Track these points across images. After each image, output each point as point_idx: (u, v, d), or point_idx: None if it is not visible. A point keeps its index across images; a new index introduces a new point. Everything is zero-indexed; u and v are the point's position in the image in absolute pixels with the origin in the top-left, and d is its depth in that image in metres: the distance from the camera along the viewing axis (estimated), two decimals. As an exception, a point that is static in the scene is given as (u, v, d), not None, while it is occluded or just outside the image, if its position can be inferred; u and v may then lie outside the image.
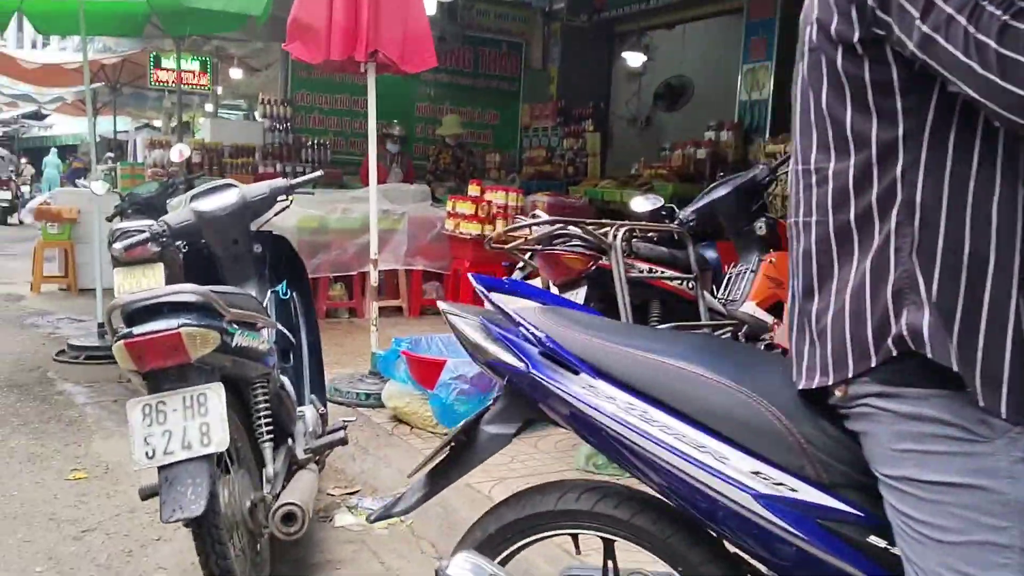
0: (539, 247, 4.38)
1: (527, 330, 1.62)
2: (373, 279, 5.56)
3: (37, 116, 27.49)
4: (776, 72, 8.63)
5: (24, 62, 12.22)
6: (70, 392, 5.61)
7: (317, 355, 3.83)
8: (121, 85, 13.74)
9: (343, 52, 5.03)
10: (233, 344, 2.51)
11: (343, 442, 3.32)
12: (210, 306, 2.43)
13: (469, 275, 2.08)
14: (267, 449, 2.87)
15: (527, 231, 4.50)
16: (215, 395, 2.42)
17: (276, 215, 3.38)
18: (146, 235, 3.05)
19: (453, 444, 1.77)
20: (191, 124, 20.38)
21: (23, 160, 23.22)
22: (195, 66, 11.88)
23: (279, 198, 3.29)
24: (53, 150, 24.13)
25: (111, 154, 23.71)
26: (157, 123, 18.51)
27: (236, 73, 11.59)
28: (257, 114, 9.78)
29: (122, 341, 2.31)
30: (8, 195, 18.58)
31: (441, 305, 1.83)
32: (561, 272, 4.46)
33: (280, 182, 3.33)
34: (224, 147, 9.51)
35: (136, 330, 2.33)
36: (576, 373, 1.57)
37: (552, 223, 4.36)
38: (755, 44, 8.97)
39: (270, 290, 3.39)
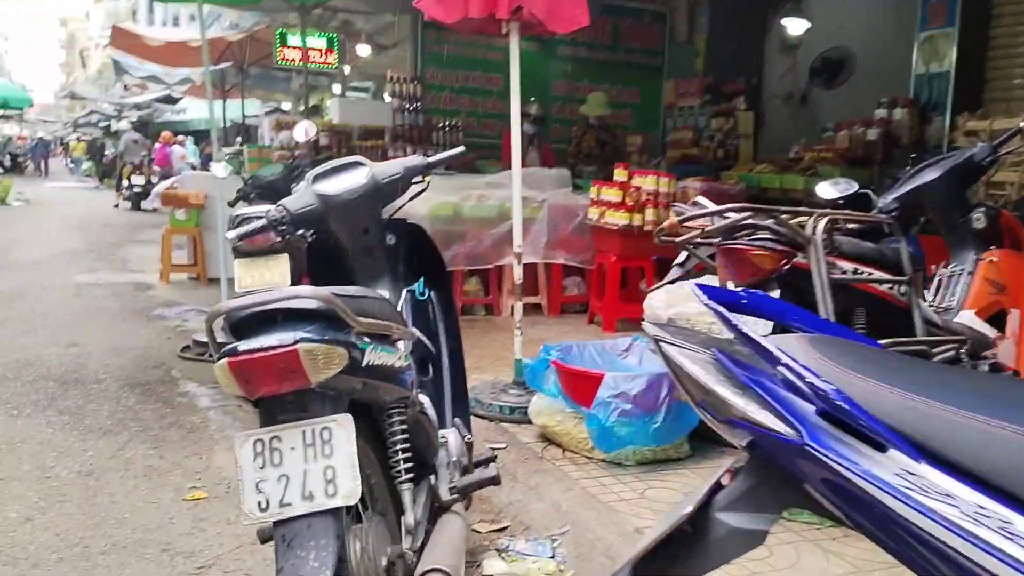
0: (720, 241, 3.66)
1: (798, 376, 1.14)
2: (517, 275, 4.97)
3: (169, 100, 28.09)
4: (960, 40, 7.59)
5: (149, 39, 12.12)
6: (193, 394, 5.21)
7: (460, 367, 3.23)
8: (248, 65, 13.58)
9: (483, 9, 4.49)
10: (364, 363, 1.98)
11: (495, 481, 2.78)
12: (335, 314, 1.91)
13: (693, 286, 1.47)
14: (406, 492, 2.29)
15: (705, 221, 3.78)
16: (342, 431, 1.91)
17: (411, 200, 2.88)
18: (263, 221, 2.57)
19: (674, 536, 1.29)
20: (320, 106, 20.39)
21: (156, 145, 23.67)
22: (322, 43, 11.49)
23: (414, 180, 2.80)
24: (189, 138, 24.49)
25: (239, 138, 24.02)
26: (286, 106, 18.47)
27: (363, 50, 11.16)
28: (386, 94, 9.31)
29: (225, 360, 1.80)
30: (142, 180, 18.85)
31: (649, 328, 1.42)
32: (747, 272, 3.73)
33: (415, 160, 2.84)
34: (352, 129, 9.10)
35: (242, 346, 1.81)
36: (883, 450, 1.09)
37: (739, 211, 3.64)
38: (934, 9, 7.94)
39: (405, 289, 2.90)
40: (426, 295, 3.09)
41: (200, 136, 30.23)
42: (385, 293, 2.69)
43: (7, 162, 30.91)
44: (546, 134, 8.89)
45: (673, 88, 10.69)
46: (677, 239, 3.87)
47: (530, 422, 4.32)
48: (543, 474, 3.89)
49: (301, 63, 11.93)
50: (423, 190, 2.91)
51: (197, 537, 3.30)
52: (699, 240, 3.78)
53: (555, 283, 7.37)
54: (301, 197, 2.68)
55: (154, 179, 19.71)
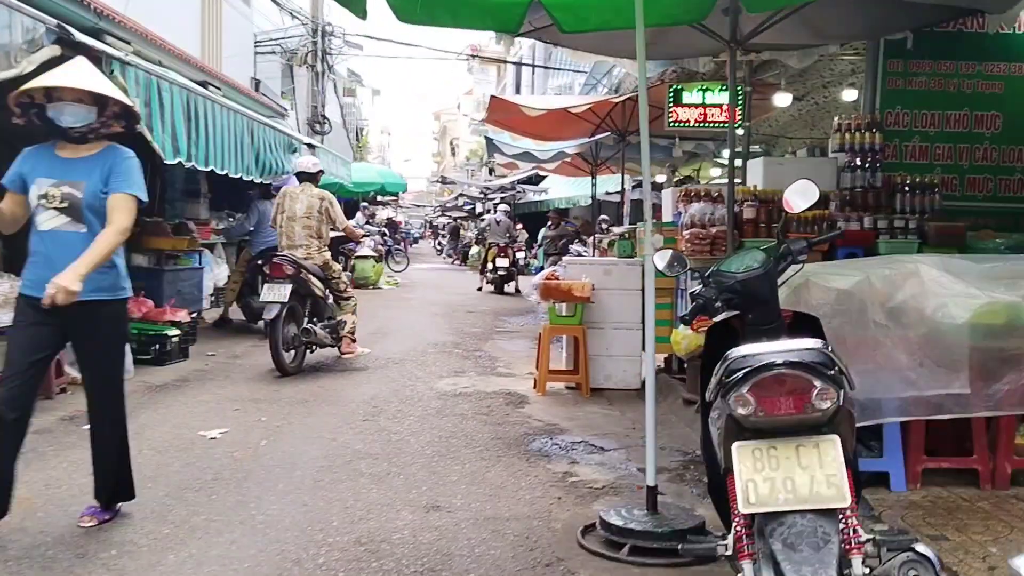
0: None
1: None
2: None
3: (532, 180, 27.81)
4: None
5: (527, 108, 10.74)
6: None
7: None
8: (629, 133, 11.83)
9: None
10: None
11: None
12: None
13: None
14: None
15: None
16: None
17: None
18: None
19: None
20: (692, 177, 18.39)
21: (519, 226, 23.00)
22: (723, 98, 9.39)
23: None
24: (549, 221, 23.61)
25: (605, 216, 22.67)
26: (660, 178, 16.70)
27: (782, 100, 8.85)
28: (831, 146, 6.89)
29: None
30: (505, 262, 17.95)
31: None
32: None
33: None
34: (782, 196, 6.73)
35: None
36: None
37: None
38: None
39: None
40: None
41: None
42: None
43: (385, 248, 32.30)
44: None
45: None
46: None
47: None
48: None
49: (697, 124, 9.97)
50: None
51: None
52: None
53: None
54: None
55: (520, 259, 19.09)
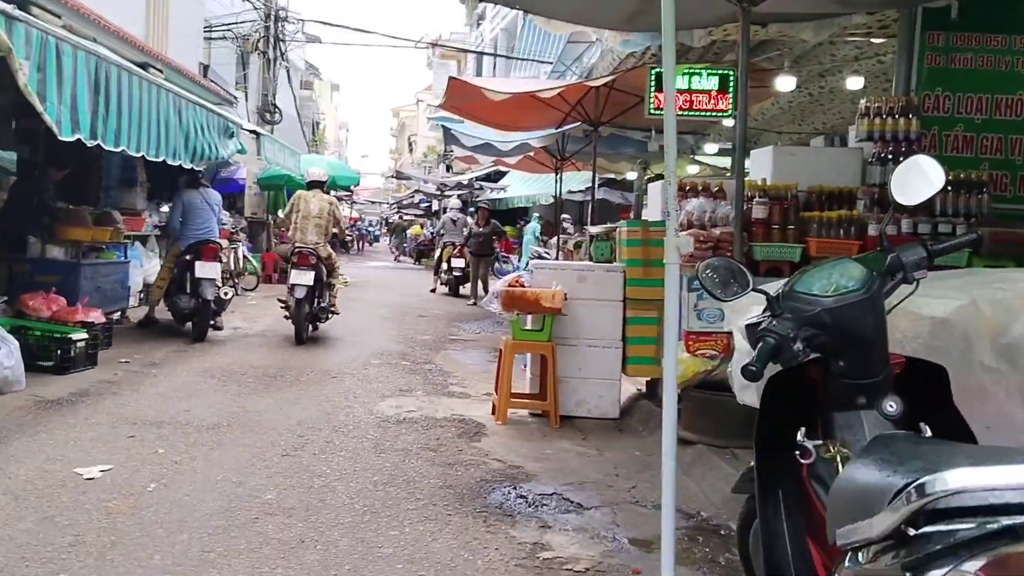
0: None
1: None
2: None
3: (491, 178, 26.50)
4: None
5: (490, 91, 9.46)
6: None
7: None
8: (601, 124, 10.64)
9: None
10: None
11: None
12: None
13: None
14: None
15: None
16: None
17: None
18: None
19: None
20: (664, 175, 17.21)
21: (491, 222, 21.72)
22: (711, 83, 8.23)
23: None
24: (535, 215, 22.33)
25: (567, 216, 21.45)
26: (631, 175, 15.64)
27: (786, 84, 7.68)
28: (854, 135, 5.75)
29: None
30: (461, 263, 16.67)
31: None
32: None
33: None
34: (797, 192, 5.69)
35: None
36: None
37: None
38: None
39: None
40: None
41: (514, 217, 28.37)
42: None
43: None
44: None
45: None
46: None
47: None
48: None
49: (681, 112, 8.80)
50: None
51: None
52: None
53: None
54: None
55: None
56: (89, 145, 6.25)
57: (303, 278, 9.28)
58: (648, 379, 6.85)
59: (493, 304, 6.35)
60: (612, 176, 17.93)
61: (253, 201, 20.56)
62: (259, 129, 13.22)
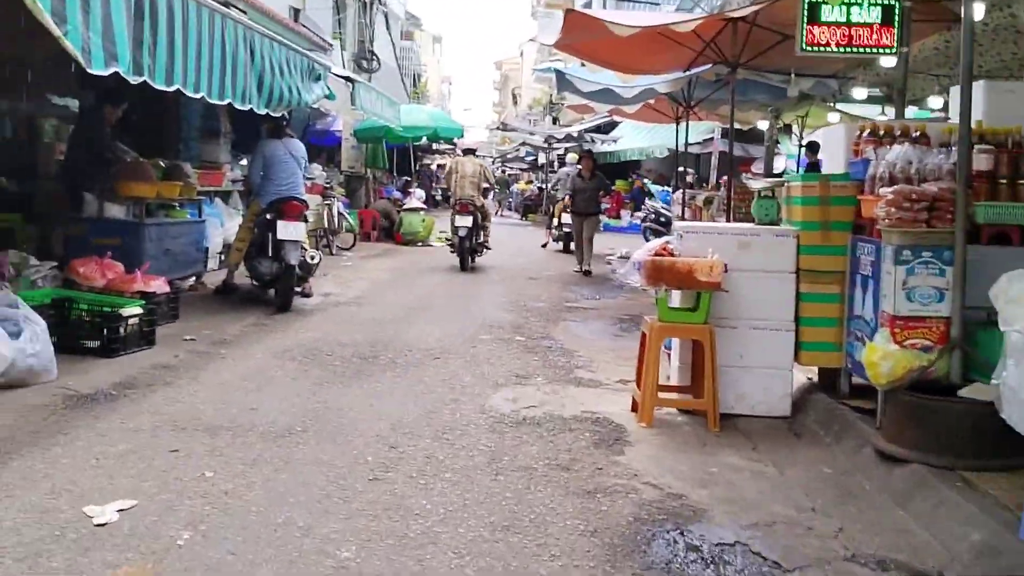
0: None
1: None
2: None
3: (601, 129, 24.93)
4: None
5: (615, 26, 8.04)
6: None
7: None
8: (740, 65, 9.04)
9: None
10: None
11: None
12: None
13: None
14: None
15: None
16: None
17: None
18: None
19: None
20: (795, 127, 15.48)
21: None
22: (873, 15, 6.68)
23: None
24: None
25: (690, 170, 19.62)
26: (761, 124, 14.09)
27: (976, 9, 6.05)
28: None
29: None
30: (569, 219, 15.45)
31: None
32: None
33: None
34: (1022, 138, 4.30)
35: None
36: None
37: None
38: None
39: None
40: None
41: (626, 171, 26.71)
42: None
43: (438, 196, 29.98)
44: None
45: None
46: None
47: None
48: None
49: (839, 48, 7.26)
50: None
51: None
52: None
53: None
54: None
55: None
56: (133, 82, 5.13)
57: (465, 221, 12.32)
58: (820, 367, 5.52)
59: (633, 276, 5.07)
60: (737, 126, 16.21)
61: (350, 155, 19.58)
62: (353, 75, 12.11)
